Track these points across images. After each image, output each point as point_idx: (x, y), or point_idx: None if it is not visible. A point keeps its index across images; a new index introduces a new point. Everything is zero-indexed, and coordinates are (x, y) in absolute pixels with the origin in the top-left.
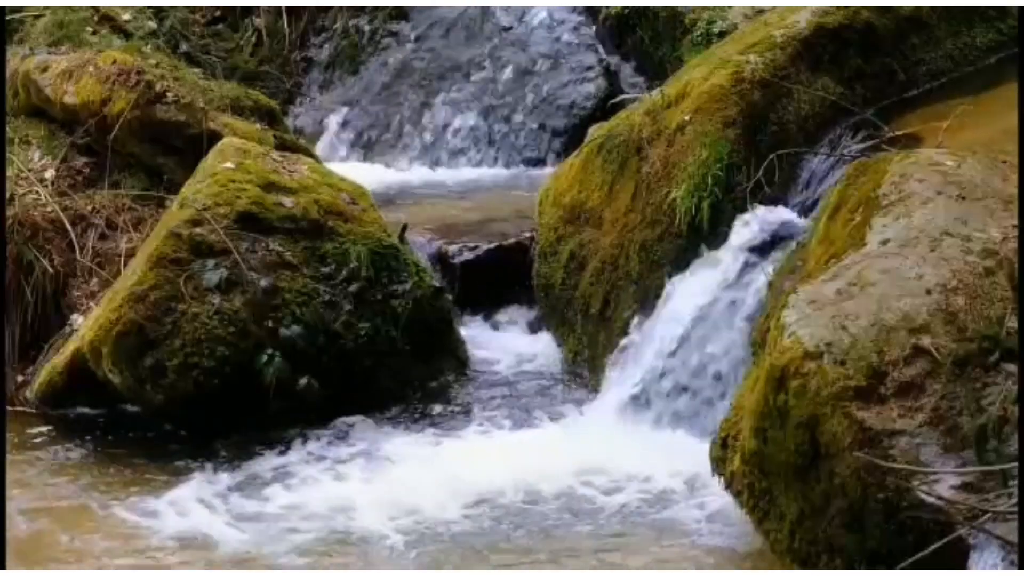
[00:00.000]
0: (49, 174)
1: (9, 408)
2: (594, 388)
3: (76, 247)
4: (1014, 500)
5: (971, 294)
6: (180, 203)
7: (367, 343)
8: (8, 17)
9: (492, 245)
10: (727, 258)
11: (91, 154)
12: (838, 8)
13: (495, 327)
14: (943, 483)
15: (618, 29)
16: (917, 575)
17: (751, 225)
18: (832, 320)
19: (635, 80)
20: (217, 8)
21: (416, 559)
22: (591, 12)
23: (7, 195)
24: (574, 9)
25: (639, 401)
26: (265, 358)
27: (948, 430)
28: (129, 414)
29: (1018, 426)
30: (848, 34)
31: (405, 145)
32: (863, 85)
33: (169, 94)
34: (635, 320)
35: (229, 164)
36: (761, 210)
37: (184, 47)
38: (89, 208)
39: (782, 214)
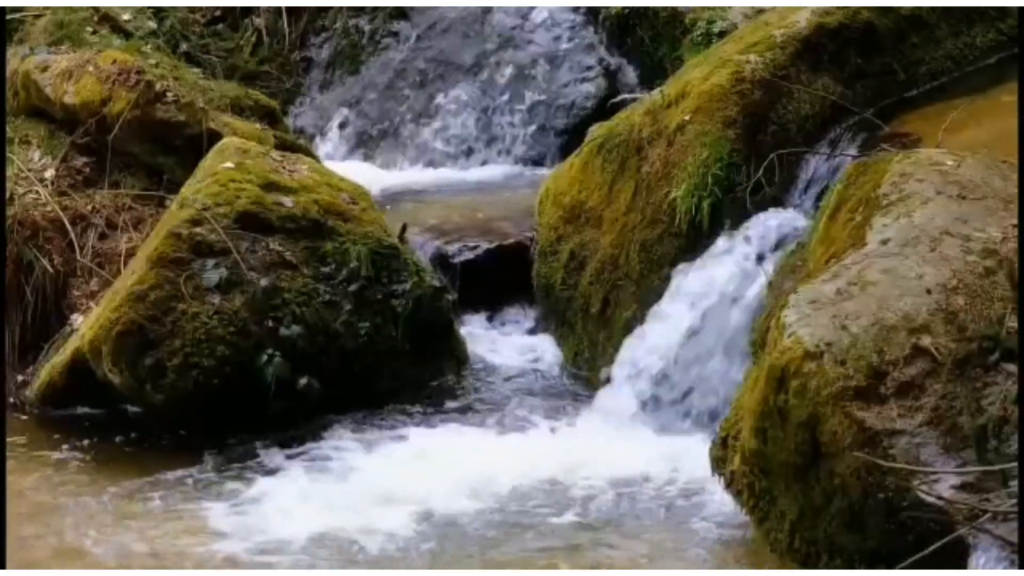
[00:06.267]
0: (49, 174)
1: (9, 408)
2: (594, 388)
3: (76, 247)
4: (1014, 500)
5: (971, 294)
6: (180, 203)
7: (367, 343)
8: (8, 17)
9: (492, 245)
10: (729, 259)
11: (91, 154)
12: (838, 8)
13: (495, 327)
14: (943, 483)
15: (618, 29)
16: (917, 575)
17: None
18: (832, 320)
19: (635, 80)
20: (217, 8)
21: (416, 557)
22: (591, 12)
23: (7, 195)
24: (574, 9)
25: (639, 401)
26: (265, 358)
27: (948, 430)
28: (129, 414)
29: (1018, 426)
30: (848, 34)
31: (405, 145)
32: (863, 85)
33: (169, 94)
34: (635, 320)
35: (229, 164)
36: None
37: (184, 47)
38: (89, 208)
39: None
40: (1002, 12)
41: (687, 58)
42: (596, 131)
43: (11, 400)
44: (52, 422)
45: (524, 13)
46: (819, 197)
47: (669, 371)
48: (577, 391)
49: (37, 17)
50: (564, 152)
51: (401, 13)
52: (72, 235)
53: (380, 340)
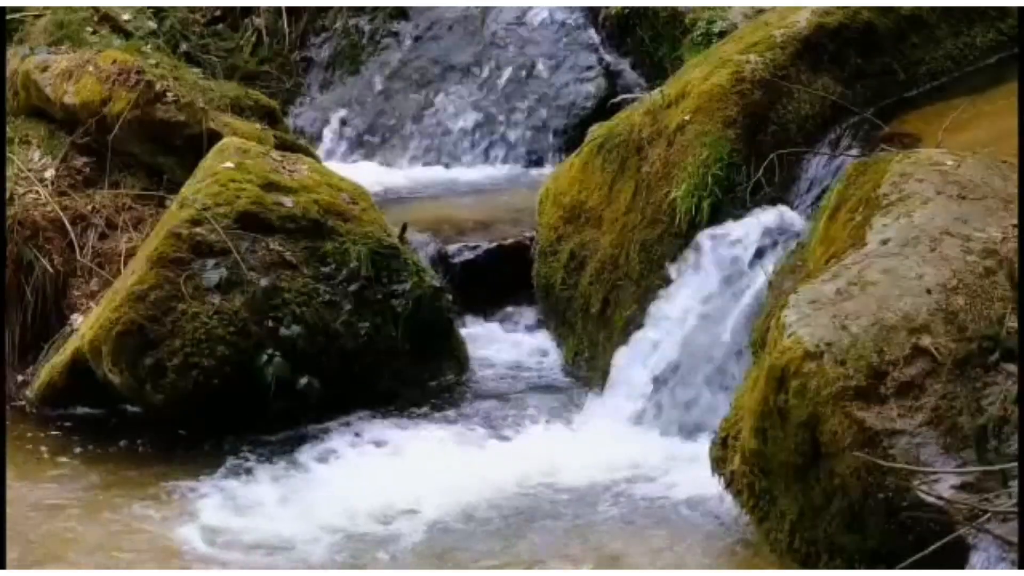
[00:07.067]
0: (49, 174)
1: (9, 408)
2: (594, 388)
3: (76, 247)
4: (1014, 500)
5: (971, 294)
6: (180, 203)
7: (367, 343)
8: (8, 17)
9: (492, 245)
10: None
11: (91, 154)
12: (838, 8)
13: (495, 327)
14: (943, 483)
15: (618, 29)
16: (917, 575)
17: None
18: (832, 320)
19: (635, 80)
20: (217, 8)
21: (416, 558)
22: (591, 12)
23: (7, 195)
24: (574, 9)
25: (639, 402)
26: (265, 358)
27: (948, 430)
28: (129, 414)
29: (1018, 426)
30: (848, 34)
31: (405, 145)
32: (863, 85)
33: (169, 94)
34: (635, 320)
35: (229, 164)
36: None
37: (184, 47)
38: (89, 208)
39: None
40: (1002, 12)
41: (687, 58)
42: (596, 131)
43: (11, 400)
44: (52, 422)
45: (523, 13)
46: (819, 197)
47: (667, 370)
48: (577, 391)
49: (37, 17)
50: (564, 152)
51: (401, 13)
52: (72, 235)
53: (380, 340)
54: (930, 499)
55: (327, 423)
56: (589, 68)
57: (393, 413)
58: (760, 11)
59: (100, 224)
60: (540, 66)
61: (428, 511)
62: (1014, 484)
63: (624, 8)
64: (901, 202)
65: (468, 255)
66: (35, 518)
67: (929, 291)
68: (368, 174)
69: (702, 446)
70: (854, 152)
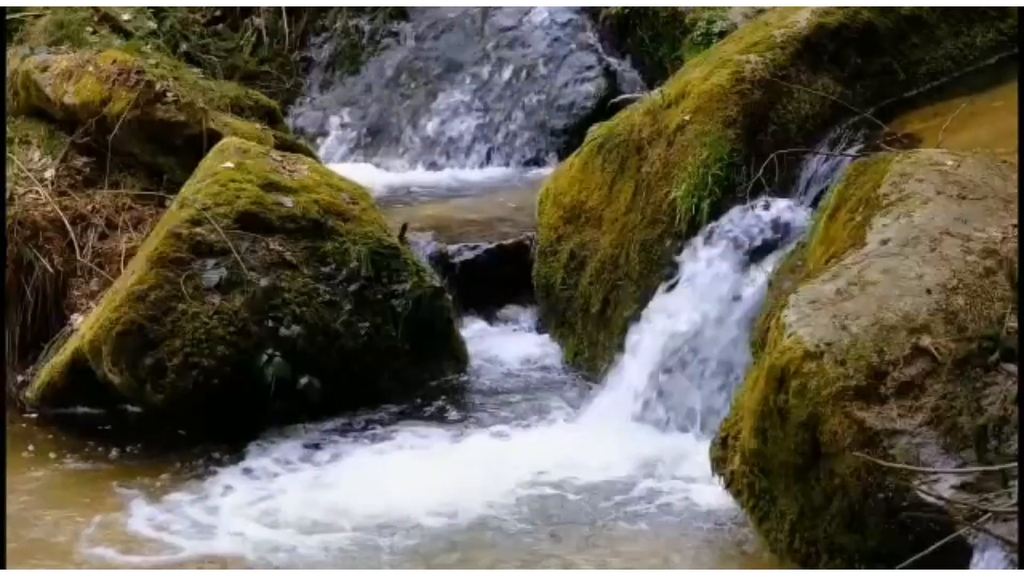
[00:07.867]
0: (49, 174)
1: (9, 408)
2: (594, 388)
3: (76, 247)
4: (1014, 500)
5: (971, 294)
6: (180, 203)
7: (367, 343)
8: (8, 17)
9: (492, 245)
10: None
11: (91, 154)
12: (838, 8)
13: (495, 327)
14: (943, 483)
15: (618, 29)
16: (917, 575)
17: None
18: (832, 320)
19: (635, 80)
20: (217, 8)
21: (415, 559)
22: (591, 12)
23: (7, 195)
24: (574, 9)
25: (638, 402)
26: (265, 358)
27: (948, 430)
28: (129, 414)
29: (1018, 426)
30: (848, 34)
31: (405, 145)
32: (863, 85)
33: (169, 94)
34: (634, 320)
35: (229, 164)
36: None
37: (184, 47)
38: (89, 208)
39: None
40: (1002, 12)
41: (687, 58)
42: (596, 131)
43: (11, 400)
44: (52, 422)
45: (524, 13)
46: (819, 197)
47: (665, 370)
48: (577, 391)
49: (37, 17)
50: (564, 152)
51: (401, 13)
52: (72, 235)
53: (380, 340)
54: (930, 499)
55: (326, 424)
56: (589, 68)
57: (392, 413)
58: (760, 11)
59: (100, 224)
60: (540, 66)
61: (427, 511)
62: (1014, 484)
63: (624, 8)
64: (901, 202)
65: (468, 255)
66: (35, 518)
67: (929, 291)
68: (368, 174)
69: (702, 445)
70: (854, 152)
